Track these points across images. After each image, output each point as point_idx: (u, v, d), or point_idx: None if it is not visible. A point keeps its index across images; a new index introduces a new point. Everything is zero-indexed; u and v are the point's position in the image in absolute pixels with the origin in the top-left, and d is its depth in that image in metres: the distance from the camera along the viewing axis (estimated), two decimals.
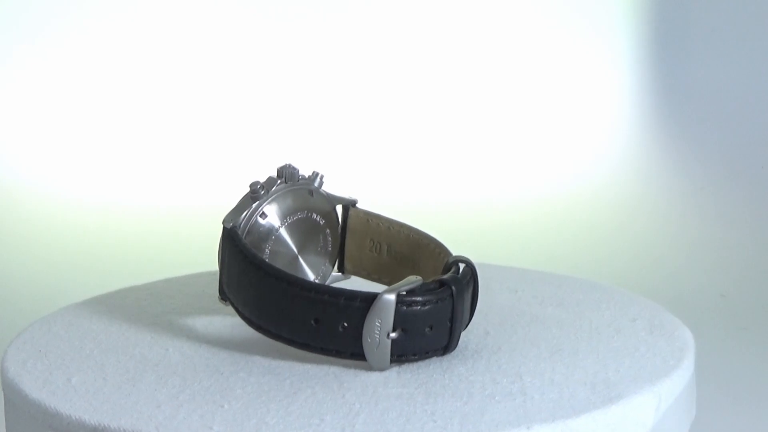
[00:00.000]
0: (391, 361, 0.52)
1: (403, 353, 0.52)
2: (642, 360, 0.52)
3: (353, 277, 0.65)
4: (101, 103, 1.57)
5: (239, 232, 0.59)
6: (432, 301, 0.51)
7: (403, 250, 0.62)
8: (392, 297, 0.51)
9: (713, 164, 1.56)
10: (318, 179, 0.63)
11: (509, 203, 1.53)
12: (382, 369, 0.52)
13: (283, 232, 0.61)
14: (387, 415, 0.46)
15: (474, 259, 0.55)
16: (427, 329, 0.52)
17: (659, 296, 0.71)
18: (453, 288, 0.52)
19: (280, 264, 0.61)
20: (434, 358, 0.53)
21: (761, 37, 1.63)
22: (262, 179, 0.62)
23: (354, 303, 0.51)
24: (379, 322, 0.51)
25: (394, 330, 0.51)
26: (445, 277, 0.53)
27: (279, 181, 0.62)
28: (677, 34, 1.66)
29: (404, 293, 0.51)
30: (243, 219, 0.60)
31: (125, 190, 1.49)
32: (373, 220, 0.64)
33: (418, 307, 0.51)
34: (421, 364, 0.52)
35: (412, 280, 0.52)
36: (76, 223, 1.42)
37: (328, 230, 0.63)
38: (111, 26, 1.57)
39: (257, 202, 0.60)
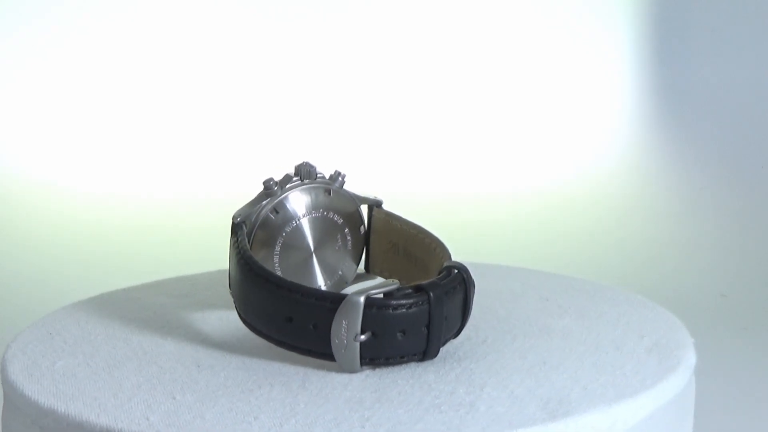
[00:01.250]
0: (363, 364, 0.51)
1: (376, 357, 0.51)
2: (619, 378, 0.49)
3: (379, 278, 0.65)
4: (110, 105, 1.60)
5: (244, 227, 0.59)
6: (404, 306, 0.50)
7: (416, 251, 0.61)
8: (359, 299, 0.50)
9: (713, 164, 1.56)
10: (339, 179, 0.63)
11: (509, 202, 1.52)
12: (352, 371, 0.51)
13: (295, 230, 0.61)
14: (321, 418, 0.45)
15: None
16: (399, 334, 0.50)
17: (659, 296, 0.69)
18: (431, 294, 0.51)
19: (292, 261, 0.61)
20: (412, 364, 0.52)
21: (761, 37, 1.62)
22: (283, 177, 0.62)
23: (324, 303, 0.50)
24: (345, 324, 0.50)
25: (363, 333, 0.50)
26: (424, 282, 0.51)
27: (295, 179, 0.62)
28: (677, 34, 1.66)
29: (377, 296, 0.50)
30: (254, 214, 0.60)
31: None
32: (392, 221, 0.64)
33: (390, 311, 0.50)
34: (394, 369, 0.51)
35: (389, 283, 0.51)
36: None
37: (347, 230, 0.63)
38: (118, 28, 1.59)
39: (269, 199, 0.61)
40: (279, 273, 0.61)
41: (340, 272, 0.63)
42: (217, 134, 1.59)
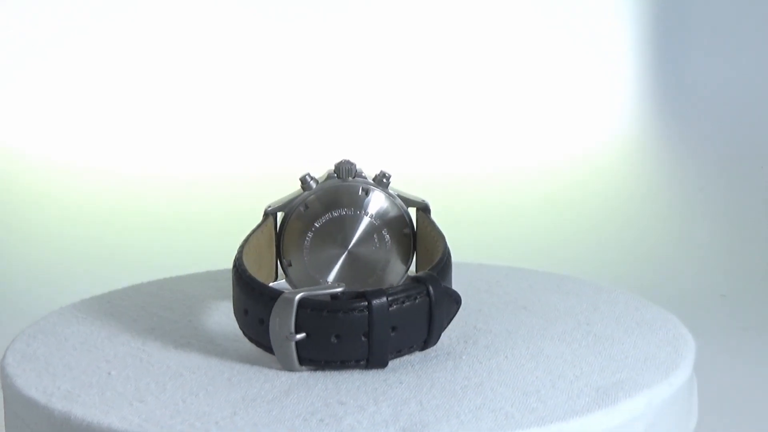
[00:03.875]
0: (303, 364, 0.51)
1: (314, 359, 0.51)
2: (521, 412, 0.46)
3: None
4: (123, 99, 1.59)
5: (272, 218, 0.61)
6: (338, 309, 0.50)
7: (435, 258, 0.60)
8: (291, 297, 0.50)
9: (713, 164, 1.53)
10: (383, 180, 0.63)
11: (509, 202, 1.51)
12: (290, 369, 0.52)
13: (325, 225, 0.62)
14: (194, 411, 0.47)
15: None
16: (333, 338, 0.50)
17: (659, 296, 0.69)
18: (372, 302, 0.50)
19: (323, 256, 0.62)
20: (355, 371, 0.51)
21: (761, 37, 1.60)
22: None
23: (263, 299, 0.51)
24: (278, 321, 0.50)
25: (298, 332, 0.50)
26: (370, 289, 0.51)
27: (334, 176, 0.63)
28: (678, 34, 1.63)
29: (319, 297, 0.50)
30: (286, 207, 0.62)
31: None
32: (428, 227, 0.62)
33: (324, 313, 0.50)
34: (333, 373, 0.51)
35: (334, 285, 0.51)
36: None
37: (385, 231, 0.63)
38: (119, 30, 1.58)
39: (303, 193, 0.62)
40: (307, 267, 0.62)
41: (379, 272, 0.63)
42: (217, 132, 1.59)
